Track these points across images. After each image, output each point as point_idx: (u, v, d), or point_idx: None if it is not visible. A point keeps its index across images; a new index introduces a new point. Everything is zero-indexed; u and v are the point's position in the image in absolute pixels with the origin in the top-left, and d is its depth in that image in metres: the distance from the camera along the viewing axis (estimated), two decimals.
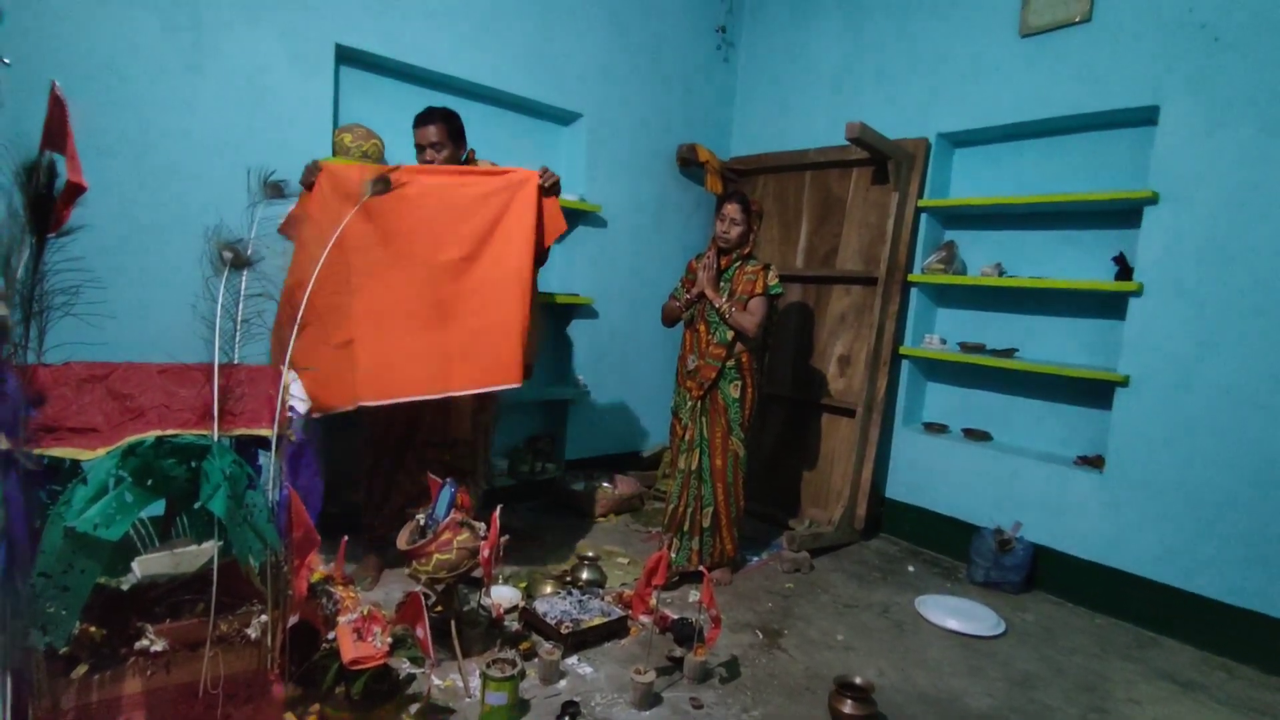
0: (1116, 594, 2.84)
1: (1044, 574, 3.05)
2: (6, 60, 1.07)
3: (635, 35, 3.86)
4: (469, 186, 2.36)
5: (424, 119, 2.51)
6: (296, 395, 1.87)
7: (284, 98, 2.74)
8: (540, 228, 2.43)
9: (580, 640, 2.23)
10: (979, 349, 3.33)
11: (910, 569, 3.23)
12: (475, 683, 1.92)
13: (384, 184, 2.17)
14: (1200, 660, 2.55)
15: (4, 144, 1.30)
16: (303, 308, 1.75)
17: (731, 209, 2.75)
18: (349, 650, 1.70)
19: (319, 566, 2.06)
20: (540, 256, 2.53)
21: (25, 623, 1.27)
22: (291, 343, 1.69)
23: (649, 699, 1.97)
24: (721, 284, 2.79)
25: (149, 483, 1.43)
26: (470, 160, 2.65)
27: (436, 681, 1.99)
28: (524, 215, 2.36)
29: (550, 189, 2.43)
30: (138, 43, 2.42)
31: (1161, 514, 2.72)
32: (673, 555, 2.80)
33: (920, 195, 3.47)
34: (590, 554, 2.85)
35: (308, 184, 2.28)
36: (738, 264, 2.78)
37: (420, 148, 2.52)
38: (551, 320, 3.87)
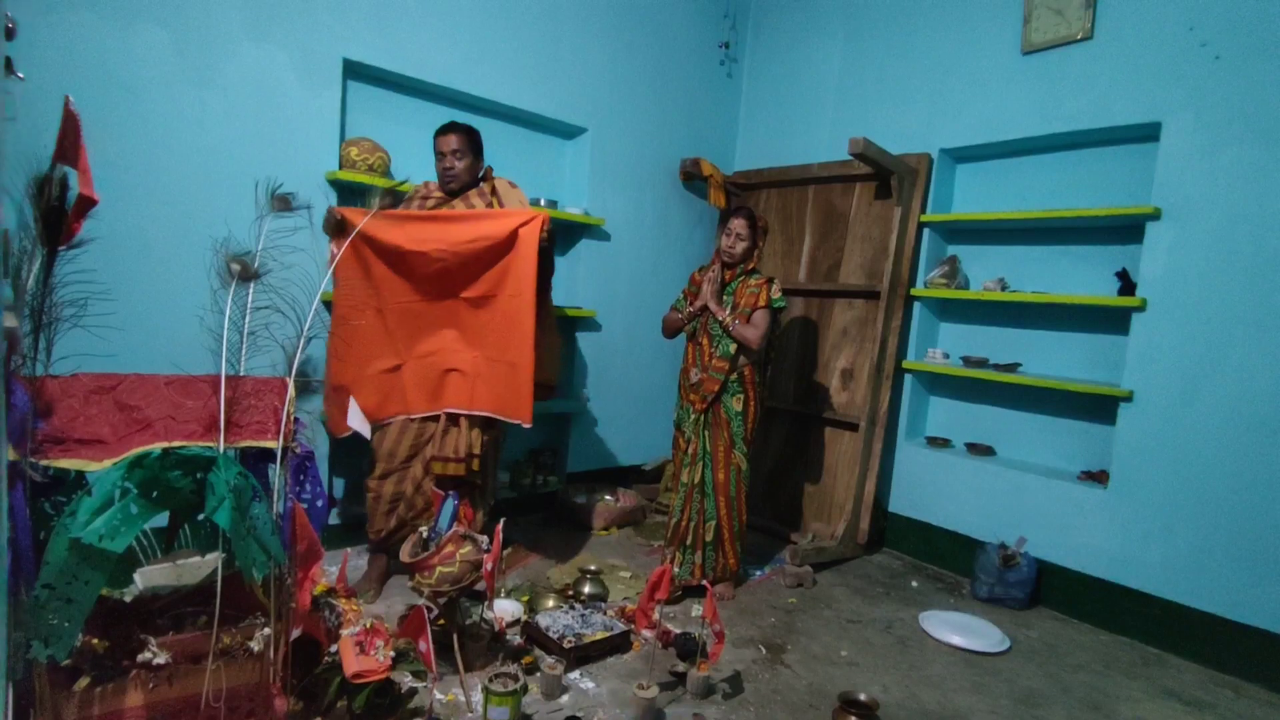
0: (1122, 611, 2.82)
1: (1048, 590, 3.03)
2: (20, 75, 1.09)
3: (639, 50, 3.90)
4: (470, 233, 2.44)
5: (446, 129, 2.59)
6: (356, 416, 2.21)
7: (292, 112, 2.77)
8: (544, 274, 2.54)
9: (583, 655, 2.22)
10: (982, 363, 3.33)
11: (914, 584, 3.21)
12: (477, 697, 1.91)
13: (391, 197, 2.22)
14: (1207, 678, 2.53)
15: (17, 158, 1.32)
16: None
17: (738, 224, 2.77)
18: (351, 664, 1.70)
19: (322, 579, 2.06)
20: (548, 268, 2.62)
21: (28, 634, 1.27)
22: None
23: (652, 714, 1.96)
24: (724, 297, 2.79)
25: (154, 494, 1.43)
26: (488, 177, 2.68)
27: (438, 695, 1.98)
28: (527, 259, 2.44)
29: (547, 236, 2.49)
30: (149, 58, 2.44)
31: (1167, 530, 2.70)
32: (675, 569, 2.79)
33: (923, 210, 3.48)
34: (593, 568, 2.84)
35: (334, 230, 2.39)
36: (741, 278, 2.79)
37: (441, 154, 2.57)
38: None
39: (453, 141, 2.56)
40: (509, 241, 2.43)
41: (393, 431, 2.54)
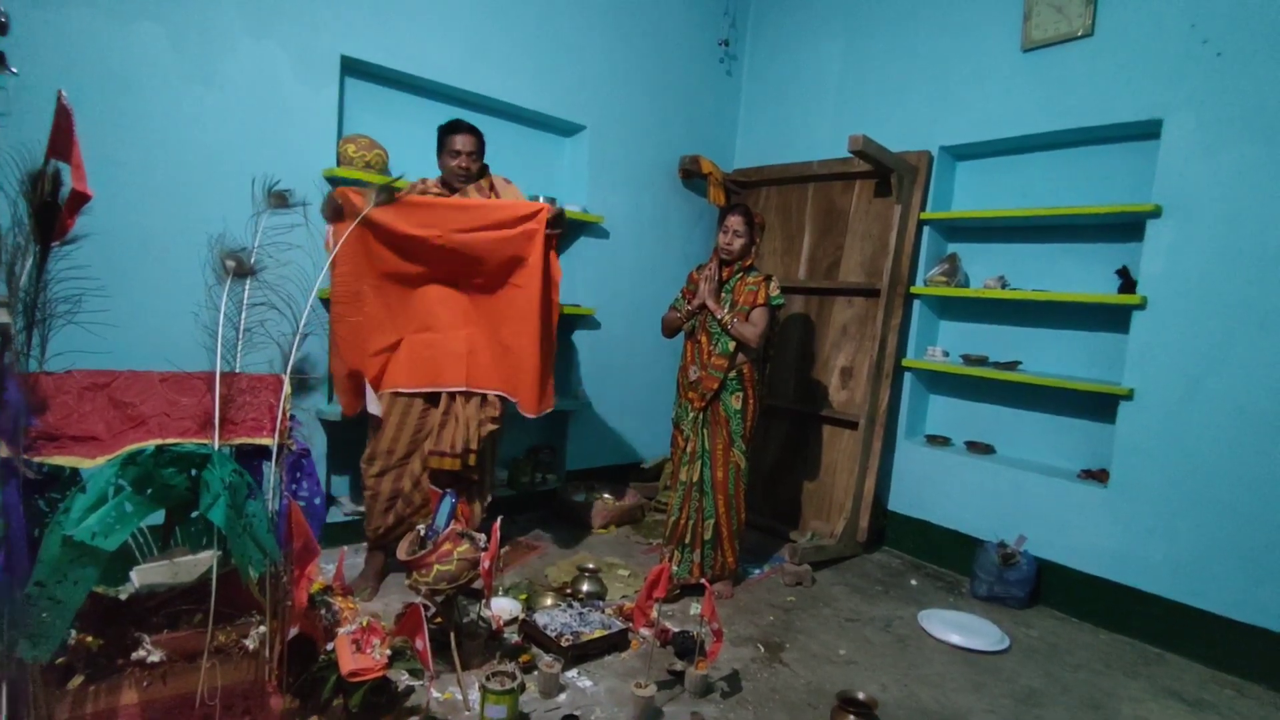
0: (1122, 609, 2.81)
1: (1048, 589, 3.03)
2: (14, 70, 1.08)
3: (638, 47, 3.88)
4: (479, 223, 2.46)
5: (462, 127, 2.60)
6: (372, 401, 2.51)
7: (289, 109, 2.76)
8: (548, 267, 2.54)
9: (580, 653, 2.21)
10: (982, 361, 3.32)
11: (913, 583, 3.21)
12: (474, 695, 1.90)
13: (387, 194, 2.21)
14: (1208, 678, 2.52)
15: (10, 153, 1.31)
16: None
17: (735, 221, 2.76)
18: (348, 662, 1.69)
19: (318, 577, 2.05)
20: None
21: (19, 633, 1.26)
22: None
23: (650, 713, 1.95)
24: (723, 295, 2.79)
25: (149, 492, 1.42)
26: (484, 174, 2.70)
27: (435, 694, 1.97)
28: (535, 248, 2.48)
29: (553, 221, 2.49)
30: (145, 54, 2.44)
31: (1167, 528, 2.69)
32: (674, 568, 2.79)
33: (923, 208, 3.47)
34: (591, 566, 2.83)
35: (333, 215, 2.32)
36: (739, 275, 2.79)
37: (455, 153, 2.58)
38: None
39: (470, 142, 2.59)
40: (516, 231, 2.45)
41: (390, 427, 2.53)
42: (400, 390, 2.54)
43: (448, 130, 2.61)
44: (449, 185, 2.63)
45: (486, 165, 2.72)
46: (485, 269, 2.51)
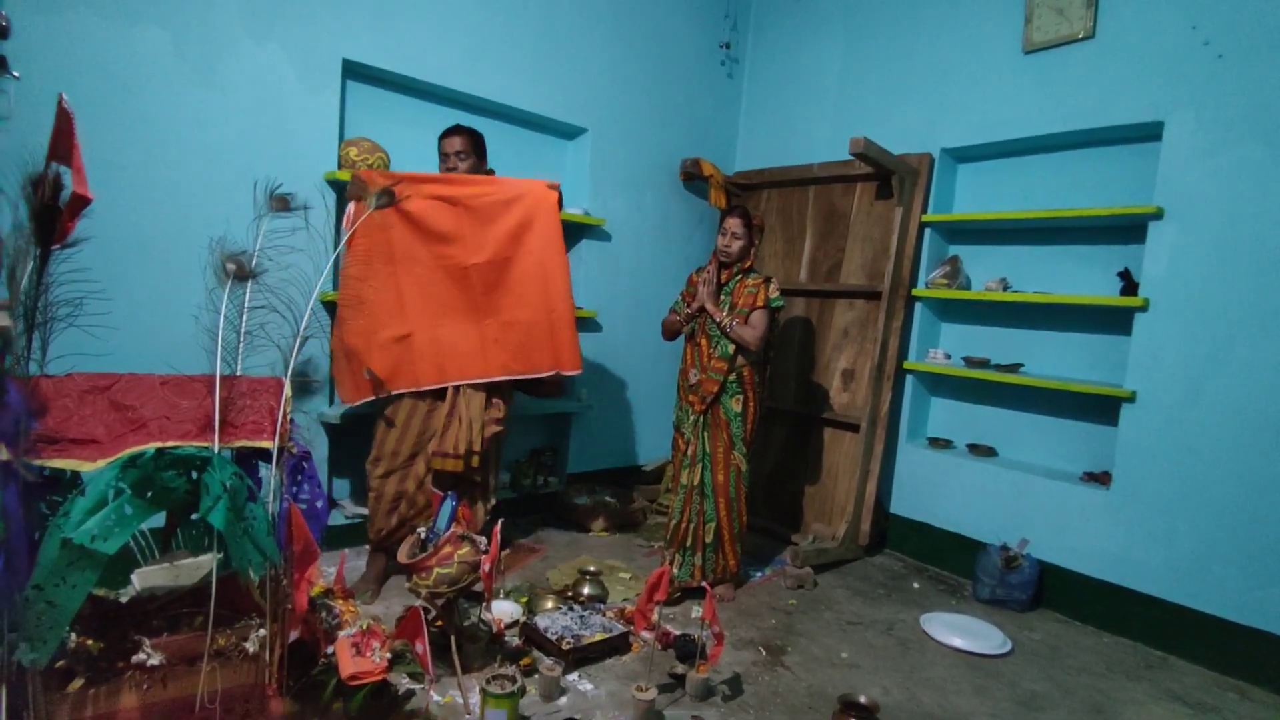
0: (1125, 612, 2.80)
1: (1050, 592, 3.02)
2: (16, 74, 1.08)
3: (640, 51, 3.89)
4: (490, 195, 2.58)
5: (451, 131, 2.67)
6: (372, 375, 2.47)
7: (290, 112, 2.76)
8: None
9: (581, 656, 2.21)
10: (984, 364, 3.32)
11: (915, 586, 3.20)
12: (475, 699, 1.90)
13: (389, 197, 2.22)
14: (1211, 681, 2.51)
15: (11, 157, 1.31)
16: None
17: (733, 223, 2.76)
18: (348, 665, 1.69)
19: (319, 580, 2.05)
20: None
21: (20, 636, 1.26)
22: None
23: (651, 716, 1.95)
24: (722, 298, 2.78)
25: (149, 495, 1.42)
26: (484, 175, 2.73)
27: (436, 697, 1.97)
28: (549, 222, 2.62)
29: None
30: (146, 57, 2.44)
31: (1170, 531, 2.69)
32: (675, 571, 2.78)
33: (924, 210, 3.47)
34: (592, 569, 2.83)
35: (357, 193, 2.39)
36: (738, 278, 2.78)
37: (445, 155, 2.64)
38: None
39: (456, 143, 2.63)
40: (524, 206, 2.56)
41: (397, 428, 2.53)
42: (413, 390, 2.53)
43: (440, 136, 2.68)
44: None
45: (492, 170, 2.76)
46: (502, 242, 2.56)
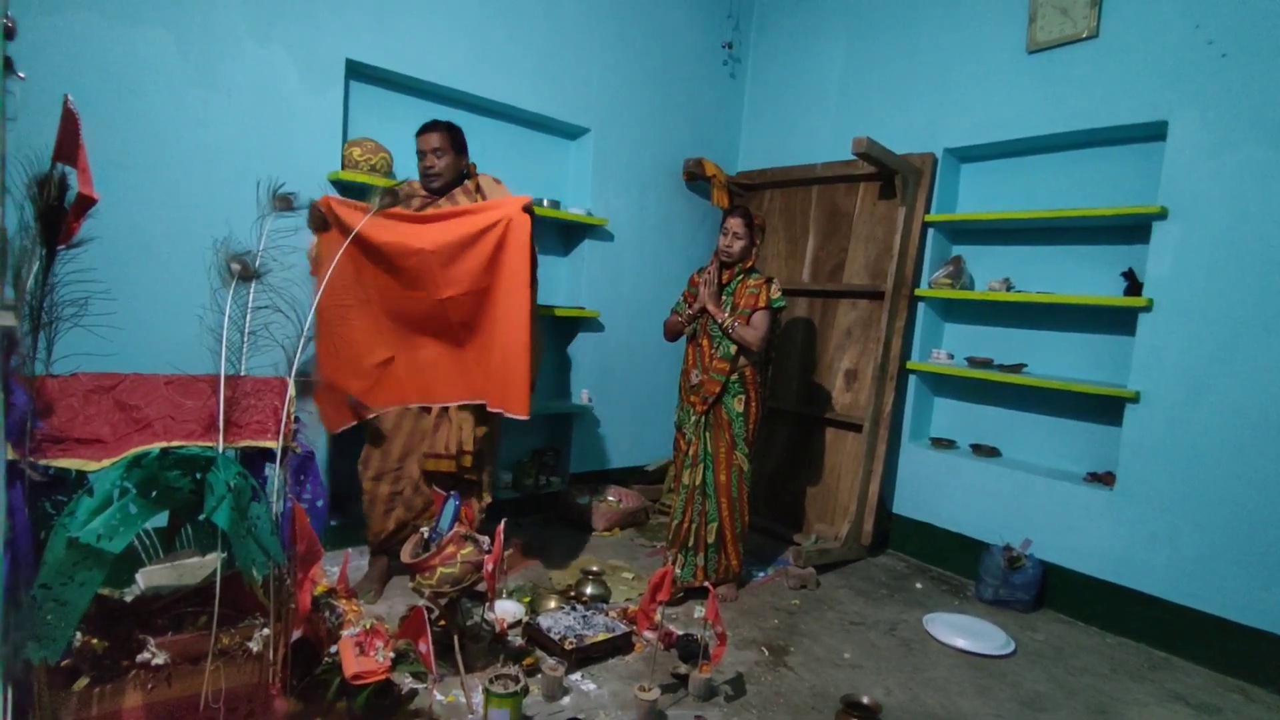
0: (1128, 613, 2.80)
1: (1054, 592, 3.01)
2: (21, 75, 1.08)
3: (642, 50, 3.89)
4: (454, 232, 2.39)
5: (427, 127, 2.55)
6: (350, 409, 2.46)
7: (294, 112, 2.77)
8: (534, 256, 2.49)
9: (584, 656, 2.21)
10: (987, 364, 3.31)
11: (918, 586, 3.20)
12: (478, 698, 1.90)
13: (392, 196, 2.22)
14: (1215, 682, 2.50)
15: (17, 157, 1.31)
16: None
17: (734, 223, 2.76)
18: (351, 665, 1.69)
19: (322, 579, 2.05)
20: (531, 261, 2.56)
21: (26, 634, 1.27)
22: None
23: (653, 716, 1.95)
24: (724, 298, 2.78)
25: (153, 494, 1.43)
26: (471, 174, 2.66)
27: (439, 697, 1.97)
28: (519, 254, 2.39)
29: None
30: (150, 58, 2.45)
31: (1173, 532, 2.68)
32: (677, 571, 2.78)
33: (927, 210, 3.47)
34: (595, 569, 2.83)
35: (318, 226, 2.34)
36: (740, 278, 2.78)
37: (422, 153, 2.54)
38: (557, 333, 3.88)
39: (433, 140, 2.51)
40: (494, 236, 2.37)
41: (386, 431, 2.53)
42: (398, 411, 2.54)
43: (417, 133, 2.56)
44: (429, 187, 2.58)
45: (474, 164, 2.67)
46: (469, 277, 2.41)
